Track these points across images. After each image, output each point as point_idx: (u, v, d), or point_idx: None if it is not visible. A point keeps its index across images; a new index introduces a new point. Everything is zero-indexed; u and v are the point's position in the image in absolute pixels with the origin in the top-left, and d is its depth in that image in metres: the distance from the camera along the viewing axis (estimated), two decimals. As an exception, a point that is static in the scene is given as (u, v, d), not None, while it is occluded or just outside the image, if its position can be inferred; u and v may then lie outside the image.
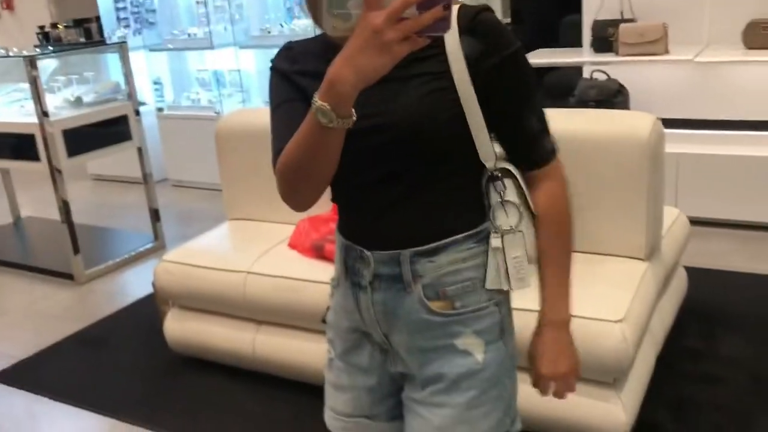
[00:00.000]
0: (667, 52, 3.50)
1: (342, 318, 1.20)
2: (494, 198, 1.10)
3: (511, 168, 1.10)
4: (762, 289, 2.91)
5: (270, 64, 1.15)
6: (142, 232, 4.12)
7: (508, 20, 4.32)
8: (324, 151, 0.96)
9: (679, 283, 2.60)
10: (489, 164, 1.08)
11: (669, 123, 3.72)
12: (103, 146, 3.63)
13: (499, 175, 1.09)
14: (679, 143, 3.59)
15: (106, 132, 3.63)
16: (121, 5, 5.10)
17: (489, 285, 1.10)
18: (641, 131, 2.08)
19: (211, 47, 4.73)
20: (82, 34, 3.56)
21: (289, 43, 1.16)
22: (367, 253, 1.11)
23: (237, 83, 4.81)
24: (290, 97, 1.09)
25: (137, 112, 3.73)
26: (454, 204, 1.09)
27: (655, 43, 3.49)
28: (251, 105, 4.77)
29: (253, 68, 4.86)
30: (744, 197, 3.37)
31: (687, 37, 3.63)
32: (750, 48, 3.41)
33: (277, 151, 1.06)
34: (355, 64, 0.84)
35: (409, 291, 1.10)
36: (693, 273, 2.76)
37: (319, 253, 2.43)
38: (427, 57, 1.01)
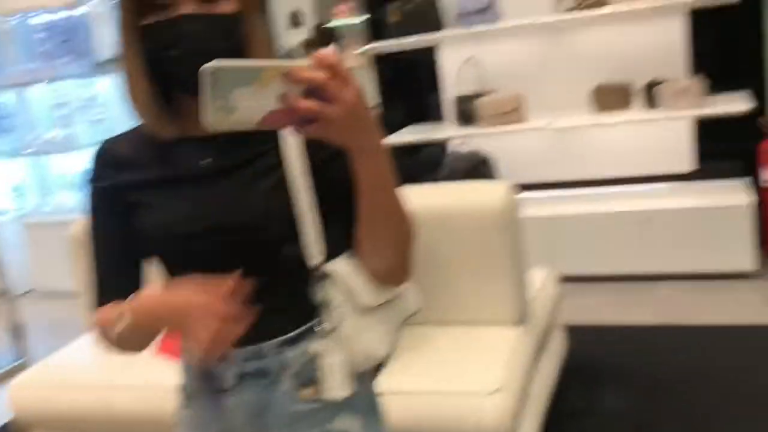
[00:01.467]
0: (524, 120, 3.67)
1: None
2: (326, 296, 1.05)
3: (337, 269, 1.05)
4: (636, 339, 3.00)
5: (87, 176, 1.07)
6: (4, 351, 3.79)
7: (378, 101, 4.42)
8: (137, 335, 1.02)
9: (558, 343, 2.63)
10: (314, 262, 1.04)
11: (535, 186, 3.91)
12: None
13: (322, 274, 1.04)
14: (547, 205, 3.73)
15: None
16: (-28, 113, 4.86)
17: (325, 392, 1.05)
18: (495, 200, 2.13)
19: (71, 149, 4.55)
20: None
21: (104, 144, 1.09)
22: (232, 353, 1.03)
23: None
24: (106, 212, 1.07)
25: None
26: (300, 294, 1.05)
27: (512, 114, 3.65)
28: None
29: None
30: (612, 250, 3.51)
31: (542, 104, 3.82)
32: (599, 111, 3.63)
33: (99, 297, 1.07)
34: (184, 330, 0.92)
35: (277, 384, 1.06)
36: (572, 331, 2.80)
37: (187, 356, 2.30)
38: (265, 152, 1.03)
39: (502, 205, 2.12)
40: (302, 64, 0.79)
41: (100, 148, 1.09)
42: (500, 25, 3.65)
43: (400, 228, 0.99)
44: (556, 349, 2.59)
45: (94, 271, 1.08)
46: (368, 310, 1.07)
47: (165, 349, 2.39)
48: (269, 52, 1.03)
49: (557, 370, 2.53)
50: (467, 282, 2.17)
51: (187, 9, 0.95)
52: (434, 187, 2.43)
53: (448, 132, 3.94)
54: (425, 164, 4.18)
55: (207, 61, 0.77)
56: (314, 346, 1.05)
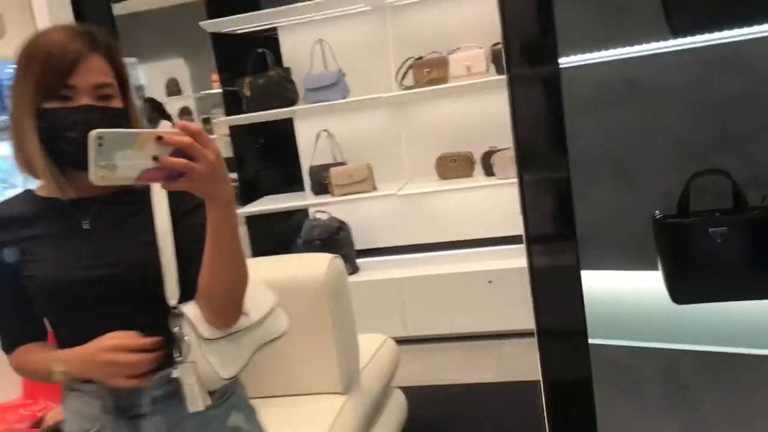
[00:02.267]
0: (374, 188, 3.81)
1: None
2: (181, 329, 1.26)
3: (185, 309, 1.26)
4: (479, 397, 3.11)
5: None
6: None
7: (234, 174, 4.49)
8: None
9: (396, 405, 2.69)
10: (171, 302, 1.26)
11: (389, 251, 4.04)
12: None
13: (177, 312, 1.26)
14: (398, 267, 3.86)
15: None
16: None
17: (188, 407, 1.26)
18: (318, 271, 2.20)
19: None
20: None
21: None
22: (147, 383, 1.24)
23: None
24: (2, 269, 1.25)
25: None
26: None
27: (363, 182, 3.79)
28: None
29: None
30: (459, 310, 3.65)
31: (391, 173, 3.99)
32: (443, 178, 3.82)
33: (5, 341, 1.32)
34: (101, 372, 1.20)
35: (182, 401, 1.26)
36: (415, 392, 2.88)
37: (5, 446, 2.19)
38: (137, 212, 1.26)
39: (325, 275, 2.19)
40: (172, 131, 1.01)
41: None
42: (349, 99, 3.81)
43: (238, 273, 1.21)
44: (394, 412, 2.65)
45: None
46: (210, 342, 1.26)
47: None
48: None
49: (397, 433, 2.59)
50: (296, 352, 2.20)
51: (86, 101, 1.19)
52: (262, 260, 2.47)
53: (305, 201, 4.02)
54: (287, 232, 4.24)
55: None
56: (174, 371, 1.25)
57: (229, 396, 1.38)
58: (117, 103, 1.24)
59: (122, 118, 1.23)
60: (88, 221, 1.26)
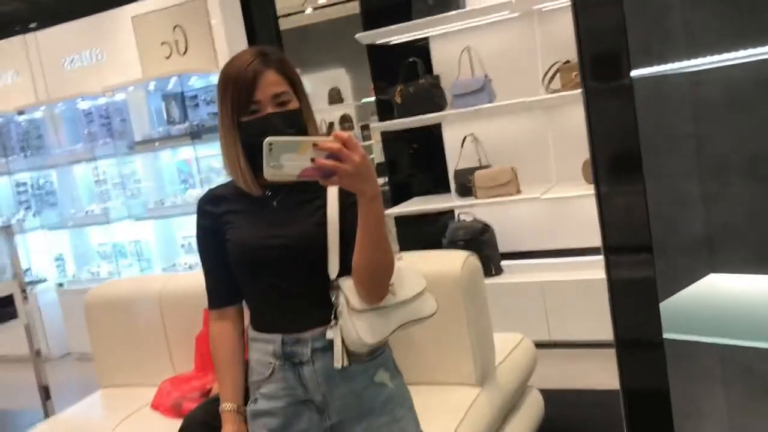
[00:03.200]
0: (518, 192, 3.85)
1: (279, 400, 1.53)
2: (335, 300, 1.50)
3: (341, 282, 1.50)
4: (617, 402, 3.06)
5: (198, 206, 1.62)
6: (36, 410, 4.06)
7: (385, 179, 4.74)
8: None
9: (533, 404, 2.73)
10: (332, 275, 1.50)
11: (531, 254, 4.05)
12: (-12, 326, 3.67)
13: (335, 284, 1.51)
14: (543, 272, 3.87)
15: (-7, 312, 3.70)
16: (21, 190, 5.32)
17: (335, 363, 1.49)
18: (454, 267, 2.31)
19: (107, 221, 4.94)
20: (-35, 221, 3.72)
21: (209, 190, 1.64)
22: (305, 335, 1.50)
23: (137, 254, 4.98)
24: (211, 232, 1.57)
25: (24, 291, 3.82)
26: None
27: (507, 185, 3.85)
28: (151, 272, 4.91)
29: (152, 238, 5.05)
30: (601, 316, 3.59)
31: (537, 177, 4.01)
32: (590, 182, 3.78)
33: (210, 298, 1.64)
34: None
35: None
36: (553, 394, 2.90)
37: (177, 411, 2.50)
38: (314, 198, 1.53)
39: (460, 271, 2.30)
40: (326, 138, 1.27)
41: (205, 193, 1.63)
42: (495, 104, 3.89)
43: (384, 256, 1.44)
44: (530, 411, 2.69)
45: (205, 280, 1.63)
46: (359, 312, 1.48)
47: (156, 406, 2.61)
48: (315, 130, 1.56)
49: (532, 432, 2.64)
50: (433, 344, 2.32)
51: (271, 109, 1.48)
52: (412, 254, 2.61)
53: (450, 203, 4.14)
54: (433, 233, 4.39)
55: None
56: (328, 331, 1.49)
57: (378, 355, 1.56)
58: (293, 105, 1.51)
59: (299, 116, 1.51)
60: (276, 202, 1.54)
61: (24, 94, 5.41)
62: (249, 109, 1.47)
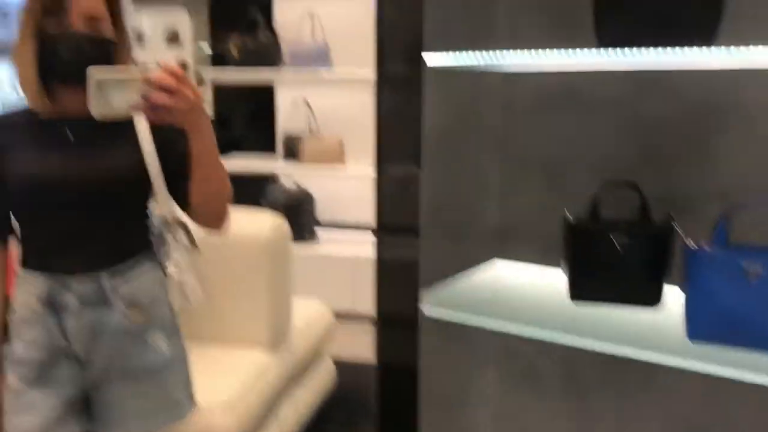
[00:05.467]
0: (342, 163, 3.88)
1: (37, 349, 1.40)
2: (169, 239, 1.46)
3: (185, 219, 1.46)
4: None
5: None
6: None
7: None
8: None
9: (324, 373, 2.78)
10: (163, 211, 1.44)
11: (350, 227, 4.11)
12: None
13: (170, 220, 1.46)
14: (357, 246, 3.94)
15: None
16: None
17: (174, 305, 1.48)
18: (263, 230, 2.27)
19: None
20: None
21: None
22: (74, 280, 1.38)
23: None
24: None
25: None
26: (134, 234, 1.46)
27: (334, 156, 3.86)
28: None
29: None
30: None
31: (363, 150, 4.05)
32: (412, 165, 3.89)
33: None
34: None
35: (111, 305, 1.40)
36: (349, 366, 2.97)
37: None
38: (119, 134, 1.41)
39: (269, 235, 2.26)
40: (158, 74, 1.19)
41: None
42: (331, 70, 3.87)
43: (222, 185, 1.40)
44: (321, 379, 2.73)
45: None
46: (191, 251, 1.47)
47: None
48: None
49: (318, 400, 2.67)
50: (230, 301, 2.27)
51: (80, 28, 1.33)
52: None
53: (275, 165, 4.08)
54: (256, 193, 4.30)
55: (86, 67, 1.17)
56: (169, 268, 1.46)
57: (156, 312, 1.47)
58: (108, 33, 1.38)
59: (111, 47, 1.39)
60: (73, 134, 1.40)
61: None
62: (56, 21, 1.33)
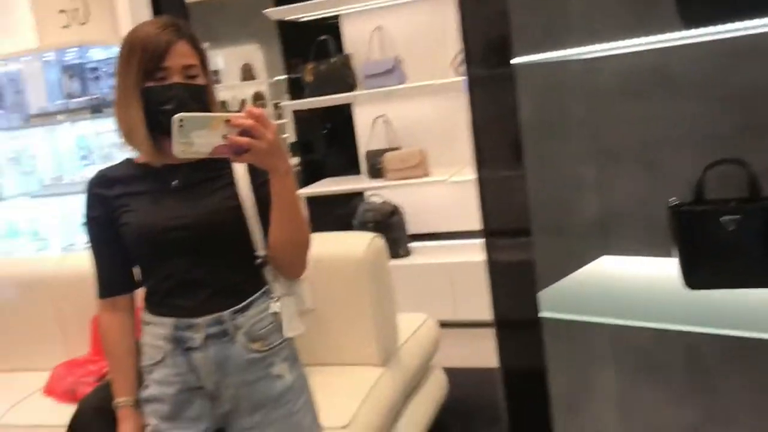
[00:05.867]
0: (426, 174, 3.89)
1: (168, 387, 1.49)
2: (267, 276, 1.51)
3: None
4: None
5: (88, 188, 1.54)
6: None
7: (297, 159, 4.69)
8: None
9: (436, 383, 2.78)
10: (260, 252, 1.49)
11: (441, 236, 4.12)
12: None
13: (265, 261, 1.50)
14: (451, 253, 3.94)
15: None
16: None
17: (285, 333, 1.52)
18: (359, 249, 2.31)
19: (1, 199, 4.66)
20: None
21: (99, 171, 1.56)
22: (199, 320, 1.46)
23: (32, 233, 4.73)
24: (103, 217, 1.50)
25: None
26: (247, 273, 1.50)
27: (416, 167, 3.88)
28: (48, 251, 4.67)
29: (49, 216, 4.80)
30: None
31: (447, 159, 4.06)
32: (497, 166, 3.86)
33: (100, 288, 1.55)
34: None
35: (234, 340, 1.47)
36: (458, 373, 2.96)
37: (72, 396, 2.40)
38: (220, 175, 1.49)
39: (365, 253, 2.30)
40: (239, 115, 1.25)
41: (95, 174, 1.54)
42: (405, 85, 3.90)
43: (299, 232, 1.45)
44: (433, 390, 2.74)
45: (94, 269, 1.55)
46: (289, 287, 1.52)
47: (49, 391, 2.50)
48: (218, 109, 1.53)
49: (433, 411, 2.68)
50: (337, 323, 2.32)
51: (178, 79, 1.42)
52: (318, 235, 2.59)
53: (361, 184, 4.14)
54: (344, 214, 4.38)
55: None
56: (272, 306, 1.50)
57: (275, 344, 1.52)
58: (201, 81, 1.47)
59: (204, 93, 1.47)
60: (177, 181, 1.48)
61: None
62: (155, 76, 1.42)
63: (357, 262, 2.29)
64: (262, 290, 1.52)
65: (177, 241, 1.45)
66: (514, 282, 1.41)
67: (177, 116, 1.22)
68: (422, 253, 4.04)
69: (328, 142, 4.76)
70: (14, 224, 4.84)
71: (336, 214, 4.60)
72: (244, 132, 1.25)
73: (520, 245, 1.37)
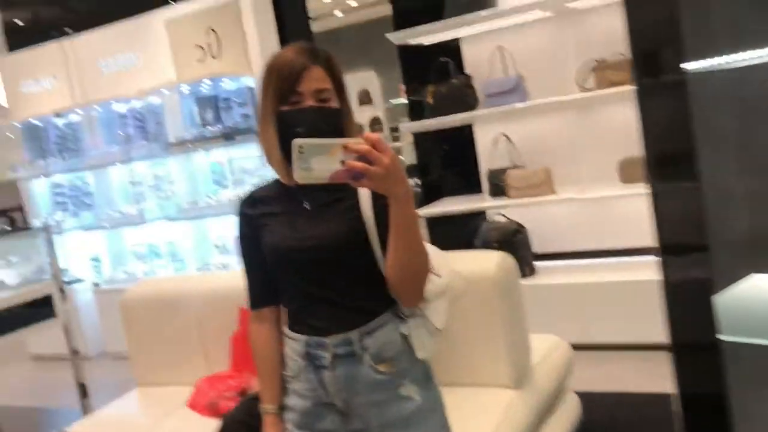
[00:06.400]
0: (552, 192, 3.82)
1: (303, 400, 1.55)
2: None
3: None
4: (653, 407, 3.01)
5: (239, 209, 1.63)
6: (74, 408, 4.12)
7: (416, 180, 4.73)
8: None
9: (570, 407, 2.70)
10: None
11: (564, 256, 4.01)
12: (28, 325, 3.74)
13: None
14: (579, 273, 3.83)
15: (32, 311, 3.76)
16: (58, 191, 5.41)
17: (417, 355, 1.52)
18: (489, 268, 2.29)
19: (143, 222, 5.00)
20: (7, 223, 3.78)
21: (250, 190, 1.64)
22: (325, 340, 1.49)
23: (171, 254, 5.04)
24: (249, 235, 1.58)
25: (62, 290, 3.89)
26: (375, 294, 1.50)
27: (541, 186, 3.82)
28: (186, 272, 4.95)
29: (186, 238, 5.10)
30: (639, 318, 3.54)
31: (571, 177, 3.97)
32: (626, 182, 3.74)
33: (250, 299, 1.63)
34: None
35: (362, 361, 1.48)
36: (589, 398, 2.86)
37: (214, 410, 2.51)
38: (345, 197, 1.51)
39: (496, 272, 2.28)
40: (356, 140, 1.26)
41: (245, 194, 1.63)
42: (528, 103, 3.86)
43: (417, 260, 1.43)
44: (566, 414, 2.66)
45: (245, 282, 1.63)
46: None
47: (192, 405, 2.63)
48: (354, 133, 1.52)
49: (568, 434, 2.60)
50: (468, 345, 2.30)
51: (311, 103, 1.47)
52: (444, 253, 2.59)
53: (483, 203, 4.12)
54: (464, 233, 4.36)
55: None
56: (402, 328, 1.51)
57: (403, 366, 1.51)
58: (334, 104, 1.50)
59: (336, 116, 1.50)
60: (308, 202, 1.53)
61: (61, 97, 5.50)
62: (289, 100, 1.46)
63: (488, 281, 2.26)
64: (391, 311, 1.52)
65: (305, 262, 1.49)
66: (690, 302, 1.34)
67: (296, 142, 1.25)
68: (548, 273, 3.95)
69: (448, 162, 4.76)
70: (155, 246, 5.17)
71: (456, 234, 4.58)
72: (362, 157, 1.26)
73: (697, 262, 1.31)
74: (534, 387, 2.39)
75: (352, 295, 1.50)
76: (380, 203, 1.43)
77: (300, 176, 1.27)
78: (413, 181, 4.93)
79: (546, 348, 2.62)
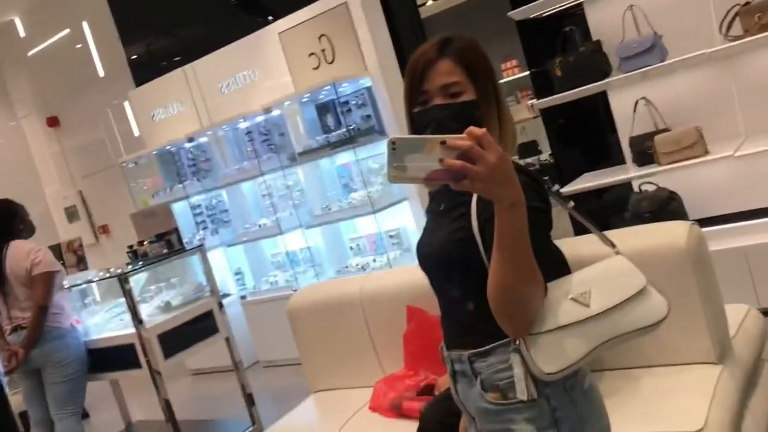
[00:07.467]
0: (706, 152, 3.57)
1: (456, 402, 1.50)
2: None
3: None
4: None
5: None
6: (240, 418, 4.27)
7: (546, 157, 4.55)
8: None
9: (769, 380, 2.50)
10: None
11: (727, 218, 3.75)
12: (195, 342, 3.90)
13: None
14: (744, 235, 3.56)
15: (196, 328, 3.92)
16: (197, 212, 5.63)
17: (518, 395, 1.30)
18: (679, 239, 2.14)
19: (280, 233, 5.11)
20: (164, 246, 3.95)
21: None
22: (446, 353, 1.44)
23: (309, 260, 5.13)
24: None
25: (221, 305, 4.02)
26: (489, 315, 1.23)
27: (693, 147, 3.58)
28: (324, 277, 5.02)
29: (322, 243, 5.17)
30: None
31: (723, 134, 3.71)
32: (787, 133, 3.44)
33: None
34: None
35: (473, 384, 1.38)
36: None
37: (398, 411, 2.50)
38: (459, 204, 1.36)
39: (686, 242, 2.13)
40: (457, 135, 1.06)
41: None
42: (670, 61, 3.63)
43: (522, 281, 1.17)
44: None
45: None
46: (531, 335, 1.24)
47: (374, 407, 2.63)
48: (498, 126, 1.37)
49: (774, 409, 2.41)
50: (664, 323, 2.17)
51: (438, 101, 1.35)
52: (617, 233, 2.45)
53: (627, 174, 3.92)
54: (610, 207, 4.17)
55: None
56: (512, 358, 1.28)
57: (514, 401, 1.31)
58: (467, 97, 1.35)
59: (468, 109, 1.35)
60: (443, 204, 1.44)
61: (190, 121, 5.73)
62: (419, 100, 1.38)
63: (679, 253, 2.12)
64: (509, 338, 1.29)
65: (425, 269, 1.46)
66: None
67: (390, 139, 1.08)
68: (711, 239, 3.69)
69: (581, 135, 4.57)
70: (294, 254, 5.28)
71: (599, 208, 4.40)
72: (464, 155, 1.06)
73: None
74: (736, 360, 2.23)
75: (467, 312, 1.36)
76: (487, 211, 1.22)
77: (392, 176, 1.09)
78: (545, 156, 4.71)
79: (739, 318, 2.44)
